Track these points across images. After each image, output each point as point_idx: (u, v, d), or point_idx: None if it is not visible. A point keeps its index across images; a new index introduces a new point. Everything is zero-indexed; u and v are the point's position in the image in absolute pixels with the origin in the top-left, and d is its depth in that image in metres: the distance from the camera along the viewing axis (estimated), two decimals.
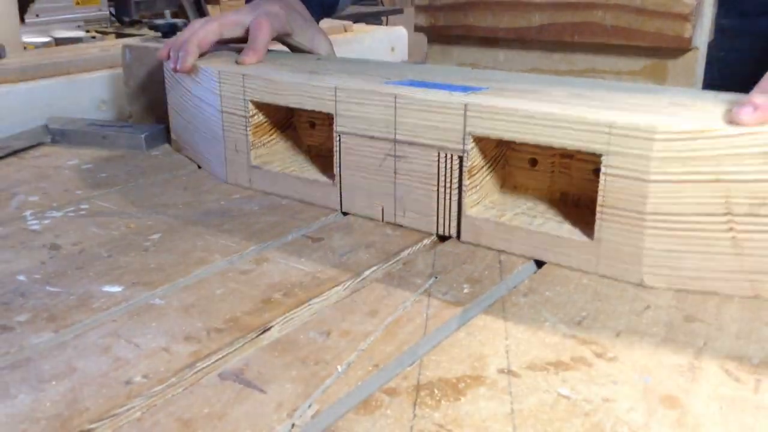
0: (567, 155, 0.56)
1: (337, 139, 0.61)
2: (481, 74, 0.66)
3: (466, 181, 0.54)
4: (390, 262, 0.53)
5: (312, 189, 0.65)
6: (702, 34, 0.70)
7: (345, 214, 0.63)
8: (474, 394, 0.37)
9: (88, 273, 0.52)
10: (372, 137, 0.59)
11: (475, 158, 0.54)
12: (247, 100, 0.67)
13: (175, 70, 0.74)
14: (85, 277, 0.51)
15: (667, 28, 0.69)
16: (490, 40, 0.83)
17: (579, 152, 0.51)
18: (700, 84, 0.72)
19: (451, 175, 0.55)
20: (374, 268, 0.52)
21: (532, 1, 0.77)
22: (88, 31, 2.10)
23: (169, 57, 0.76)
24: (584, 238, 0.51)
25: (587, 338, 0.42)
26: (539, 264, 0.52)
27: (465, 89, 0.57)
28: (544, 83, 0.60)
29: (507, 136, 0.52)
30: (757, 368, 0.39)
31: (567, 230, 0.52)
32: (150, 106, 0.94)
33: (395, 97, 0.56)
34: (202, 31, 0.75)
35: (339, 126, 0.60)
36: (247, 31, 0.78)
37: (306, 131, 0.72)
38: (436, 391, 0.37)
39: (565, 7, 0.75)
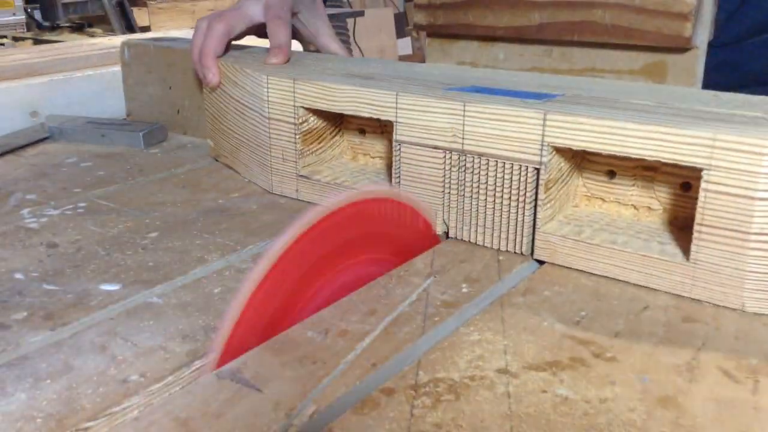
0: (650, 167, 0.52)
1: (397, 148, 0.57)
2: (549, 80, 0.62)
3: (542, 195, 0.51)
4: None
5: None
6: (702, 33, 0.70)
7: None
8: (472, 394, 0.37)
9: (86, 271, 0.52)
10: (435, 147, 0.55)
11: (552, 170, 0.51)
12: (297, 107, 0.64)
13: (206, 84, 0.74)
14: (83, 276, 0.51)
15: (667, 27, 0.69)
16: (489, 38, 0.83)
17: (667, 164, 0.47)
18: (700, 83, 0.72)
19: (525, 188, 0.51)
20: None
21: None
22: (3, 37, 2.04)
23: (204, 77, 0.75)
24: (678, 259, 0.47)
25: (585, 338, 0.42)
26: (539, 264, 0.52)
27: (538, 96, 0.54)
28: (620, 91, 0.57)
29: (592, 147, 0.48)
30: (756, 369, 0.39)
31: (657, 250, 0.48)
32: (148, 104, 0.93)
33: (464, 105, 0.53)
34: (212, 39, 0.73)
35: (399, 135, 0.57)
36: (254, 24, 0.75)
37: (355, 138, 0.69)
38: (434, 391, 0.37)
39: (564, 6, 0.75)
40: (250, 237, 0.57)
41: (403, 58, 3.88)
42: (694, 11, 0.67)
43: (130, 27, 2.74)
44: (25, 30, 2.38)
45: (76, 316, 0.45)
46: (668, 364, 0.39)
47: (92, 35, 2.42)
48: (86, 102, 0.96)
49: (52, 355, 0.41)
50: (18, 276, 0.51)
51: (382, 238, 0.50)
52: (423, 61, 0.92)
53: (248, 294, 0.39)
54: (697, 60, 0.70)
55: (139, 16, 2.97)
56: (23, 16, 2.35)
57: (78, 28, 2.57)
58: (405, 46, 4.21)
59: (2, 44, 1.91)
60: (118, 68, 0.98)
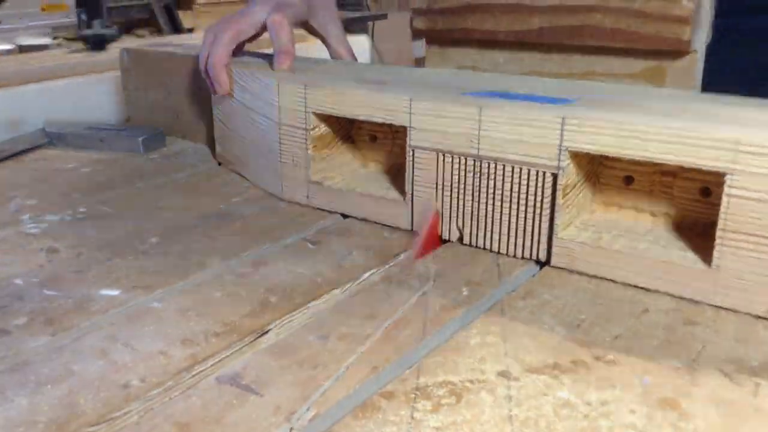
0: (669, 172, 0.51)
1: (411, 153, 0.57)
2: (564, 84, 0.62)
3: (559, 201, 0.50)
4: (388, 265, 0.53)
5: (379, 207, 0.60)
6: (701, 36, 0.70)
7: (414, 232, 0.58)
8: (473, 398, 0.37)
9: (86, 276, 0.52)
10: (450, 152, 0.55)
11: (570, 175, 0.50)
12: (308, 112, 0.63)
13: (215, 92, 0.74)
14: (83, 281, 0.51)
15: (666, 31, 0.69)
16: (489, 43, 0.83)
17: (686, 170, 0.46)
18: (699, 86, 0.72)
19: (542, 194, 0.51)
20: (373, 271, 0.52)
21: (532, 4, 0.77)
22: (55, 38, 2.05)
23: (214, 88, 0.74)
24: (700, 265, 0.46)
25: (586, 341, 0.42)
26: (540, 267, 0.52)
27: (554, 101, 0.53)
28: (637, 95, 0.56)
29: (612, 151, 0.47)
30: (756, 372, 0.39)
31: (678, 255, 0.48)
32: (148, 109, 0.94)
33: (480, 110, 0.52)
34: (219, 48, 0.72)
35: (413, 140, 0.56)
36: (263, 28, 0.74)
37: (366, 144, 0.68)
38: (434, 395, 0.37)
39: (564, 11, 0.75)
40: (250, 241, 0.58)
41: (418, 61, 3.90)
42: (692, 15, 0.67)
43: (176, 29, 2.77)
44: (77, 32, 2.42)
45: (77, 321, 0.45)
46: (669, 367, 0.39)
47: (141, 37, 2.44)
48: (69, 110, 0.95)
49: (53, 360, 0.41)
50: (18, 281, 0.51)
51: None
52: None
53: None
54: (695, 64, 0.70)
55: (184, 18, 2.98)
56: (76, 19, 2.38)
57: (125, 30, 2.60)
58: (418, 48, 4.23)
59: (59, 44, 1.92)
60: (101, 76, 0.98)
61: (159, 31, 2.67)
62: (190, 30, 2.80)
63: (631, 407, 0.36)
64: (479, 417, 0.35)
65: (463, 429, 0.35)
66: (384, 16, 3.38)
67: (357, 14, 3.18)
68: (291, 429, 0.35)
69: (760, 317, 0.45)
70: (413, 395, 0.37)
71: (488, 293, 0.48)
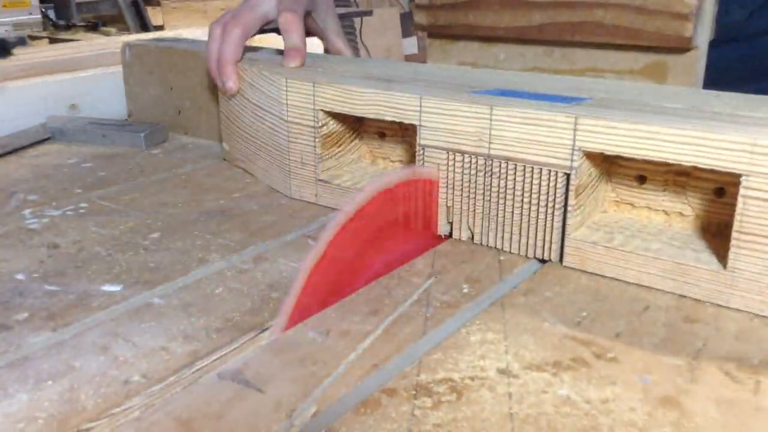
0: (682, 172, 0.51)
1: (420, 152, 0.56)
2: (574, 82, 0.61)
3: (572, 201, 0.50)
4: None
5: None
6: (703, 33, 0.70)
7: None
8: (473, 395, 0.37)
9: (87, 272, 0.52)
10: (461, 151, 0.54)
11: (583, 175, 0.50)
12: (317, 110, 0.63)
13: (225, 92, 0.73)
14: (84, 276, 0.51)
15: (667, 28, 0.69)
16: (490, 38, 0.83)
17: (700, 170, 0.46)
18: (700, 83, 0.72)
19: (555, 194, 0.50)
20: None
21: (533, 0, 0.77)
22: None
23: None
24: (715, 267, 0.46)
25: (587, 339, 0.42)
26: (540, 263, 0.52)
27: (567, 100, 0.53)
28: (649, 94, 0.56)
29: (626, 152, 0.47)
30: (757, 369, 0.39)
31: (692, 257, 0.47)
32: (149, 105, 0.94)
33: (491, 109, 0.52)
34: (229, 46, 0.71)
35: (423, 139, 0.56)
36: (269, 21, 0.73)
37: (374, 142, 0.68)
38: (434, 392, 0.37)
39: (565, 6, 0.75)
40: (251, 237, 0.58)
41: (408, 58, 3.88)
42: (694, 11, 0.67)
43: (144, 26, 2.75)
44: (42, 29, 2.39)
45: (78, 316, 0.45)
46: (669, 365, 0.39)
47: (107, 34, 2.43)
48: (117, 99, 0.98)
49: (54, 355, 0.41)
50: (19, 277, 0.51)
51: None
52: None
53: (312, 263, 0.44)
54: (697, 60, 0.70)
55: (153, 15, 2.96)
56: (39, 16, 2.35)
57: (93, 27, 2.59)
58: (410, 45, 4.21)
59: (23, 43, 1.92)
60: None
61: (127, 29, 2.66)
62: (159, 28, 2.77)
63: (632, 405, 0.36)
64: (479, 414, 0.35)
65: (464, 426, 0.35)
66: (369, 13, 3.36)
67: (342, 10, 3.15)
68: (292, 425, 0.35)
69: (760, 315, 0.45)
70: (414, 392, 0.37)
71: (489, 290, 0.48)
